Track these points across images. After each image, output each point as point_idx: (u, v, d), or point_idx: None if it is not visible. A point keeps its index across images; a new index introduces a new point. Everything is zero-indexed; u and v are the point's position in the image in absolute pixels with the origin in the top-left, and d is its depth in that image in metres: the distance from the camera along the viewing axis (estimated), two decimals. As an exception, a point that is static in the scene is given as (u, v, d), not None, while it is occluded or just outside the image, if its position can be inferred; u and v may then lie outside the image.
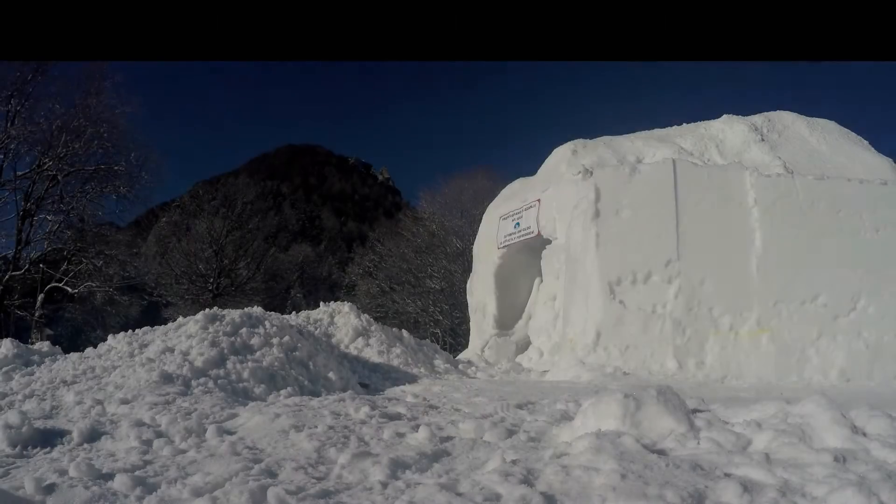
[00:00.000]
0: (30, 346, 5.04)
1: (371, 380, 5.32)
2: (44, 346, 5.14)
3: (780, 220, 6.77)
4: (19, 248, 17.74)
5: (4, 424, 2.69)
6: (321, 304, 6.99)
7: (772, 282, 6.54)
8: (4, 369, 4.32)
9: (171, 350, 4.38)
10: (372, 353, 6.00)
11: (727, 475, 1.91)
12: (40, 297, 18.04)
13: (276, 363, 4.52)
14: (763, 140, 8.41)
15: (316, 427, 2.87)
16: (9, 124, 17.07)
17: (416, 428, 2.86)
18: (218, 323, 4.85)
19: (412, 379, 5.50)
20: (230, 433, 2.88)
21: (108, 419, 3.10)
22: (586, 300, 6.77)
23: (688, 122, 9.42)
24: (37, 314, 18.16)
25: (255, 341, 4.71)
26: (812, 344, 6.30)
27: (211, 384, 3.91)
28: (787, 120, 8.94)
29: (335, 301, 7.16)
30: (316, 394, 4.30)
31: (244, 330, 4.82)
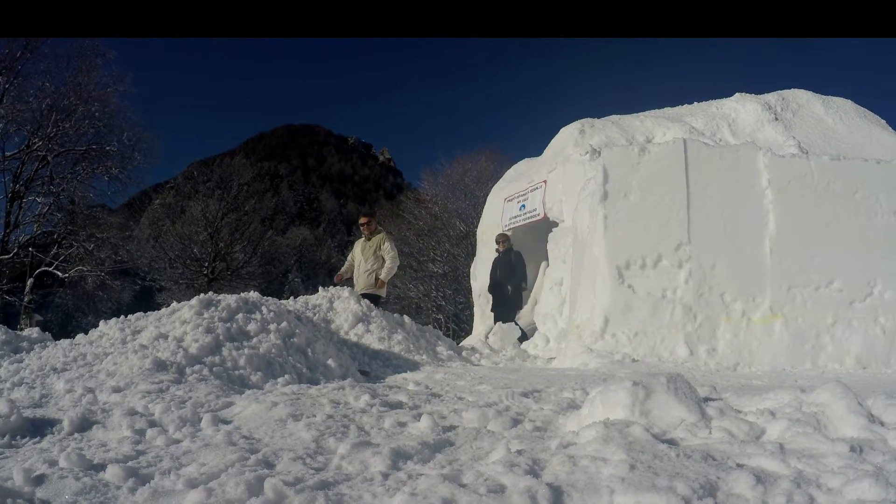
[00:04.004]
0: (18, 333, 4.95)
1: (371, 367, 5.19)
2: (33, 332, 5.04)
3: (795, 202, 6.59)
4: (8, 231, 17.59)
5: (-8, 413, 2.58)
6: (320, 288, 6.81)
7: (785, 266, 6.38)
8: (-9, 356, 4.18)
9: (165, 336, 4.25)
10: (372, 340, 5.85)
11: (740, 466, 1.85)
12: (29, 281, 17.89)
13: (273, 350, 4.39)
14: (777, 119, 8.21)
15: (314, 416, 2.77)
16: (-3, 103, 16.74)
17: (417, 417, 2.77)
18: (213, 308, 4.70)
19: (414, 366, 5.37)
20: (226, 422, 2.78)
21: (100, 408, 3.00)
22: (594, 285, 6.61)
23: (699, 101, 9.22)
24: (26, 299, 18.05)
25: (251, 327, 4.58)
26: (827, 330, 6.16)
27: (206, 372, 3.79)
28: (801, 98, 8.74)
29: (334, 286, 6.97)
30: (314, 381, 4.17)
31: (240, 316, 4.68)
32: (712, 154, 6.91)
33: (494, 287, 8.88)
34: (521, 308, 8.98)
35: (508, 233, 9.22)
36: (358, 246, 7.88)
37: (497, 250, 8.91)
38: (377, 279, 7.49)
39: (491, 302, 9.15)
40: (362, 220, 8.03)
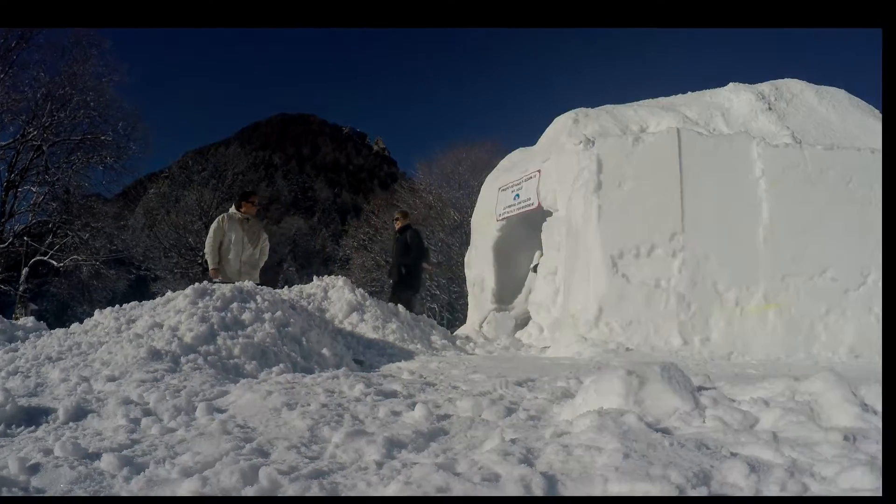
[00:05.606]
0: (13, 322, 4.89)
1: (366, 356, 5.20)
2: (28, 321, 4.99)
3: (788, 192, 6.59)
4: (3, 220, 17.51)
5: (-13, 403, 2.58)
6: (314, 278, 6.80)
7: (779, 255, 6.39)
8: (-14, 345, 4.16)
9: (160, 325, 4.24)
10: (367, 329, 5.85)
11: (733, 454, 1.87)
12: (24, 270, 17.82)
13: (267, 339, 4.39)
14: (770, 109, 8.19)
15: (309, 405, 2.78)
16: (-9, 93, 16.60)
17: (412, 406, 2.78)
18: (208, 297, 4.70)
19: (408, 355, 5.37)
20: (220, 411, 2.79)
21: (95, 397, 3.01)
22: (588, 274, 6.62)
23: (693, 91, 9.18)
24: (21, 288, 17.98)
25: (246, 316, 4.57)
26: (821, 319, 6.17)
27: (200, 361, 3.79)
28: (795, 88, 8.71)
29: (329, 275, 6.96)
30: (309, 371, 4.18)
31: (235, 305, 4.67)
32: (706, 144, 6.90)
33: (391, 270, 8.50)
34: (418, 290, 8.60)
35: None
36: (237, 225, 6.92)
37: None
38: (255, 266, 6.98)
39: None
40: (255, 199, 7.16)
